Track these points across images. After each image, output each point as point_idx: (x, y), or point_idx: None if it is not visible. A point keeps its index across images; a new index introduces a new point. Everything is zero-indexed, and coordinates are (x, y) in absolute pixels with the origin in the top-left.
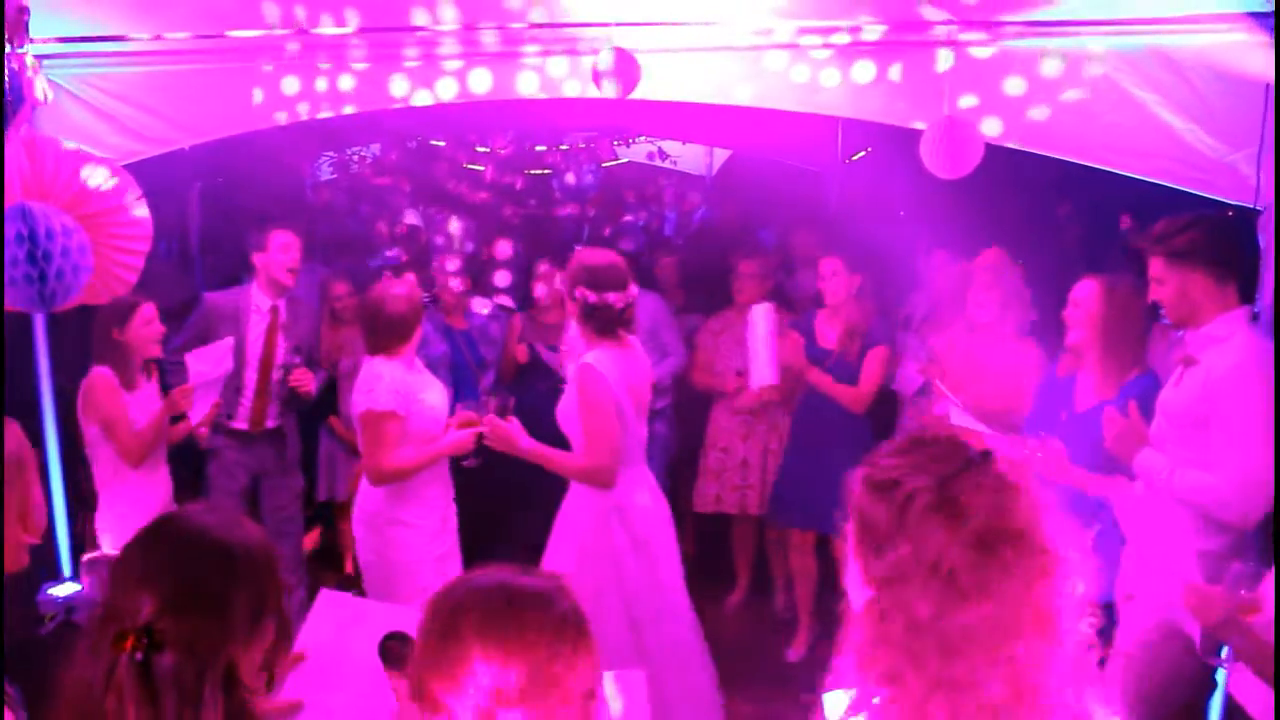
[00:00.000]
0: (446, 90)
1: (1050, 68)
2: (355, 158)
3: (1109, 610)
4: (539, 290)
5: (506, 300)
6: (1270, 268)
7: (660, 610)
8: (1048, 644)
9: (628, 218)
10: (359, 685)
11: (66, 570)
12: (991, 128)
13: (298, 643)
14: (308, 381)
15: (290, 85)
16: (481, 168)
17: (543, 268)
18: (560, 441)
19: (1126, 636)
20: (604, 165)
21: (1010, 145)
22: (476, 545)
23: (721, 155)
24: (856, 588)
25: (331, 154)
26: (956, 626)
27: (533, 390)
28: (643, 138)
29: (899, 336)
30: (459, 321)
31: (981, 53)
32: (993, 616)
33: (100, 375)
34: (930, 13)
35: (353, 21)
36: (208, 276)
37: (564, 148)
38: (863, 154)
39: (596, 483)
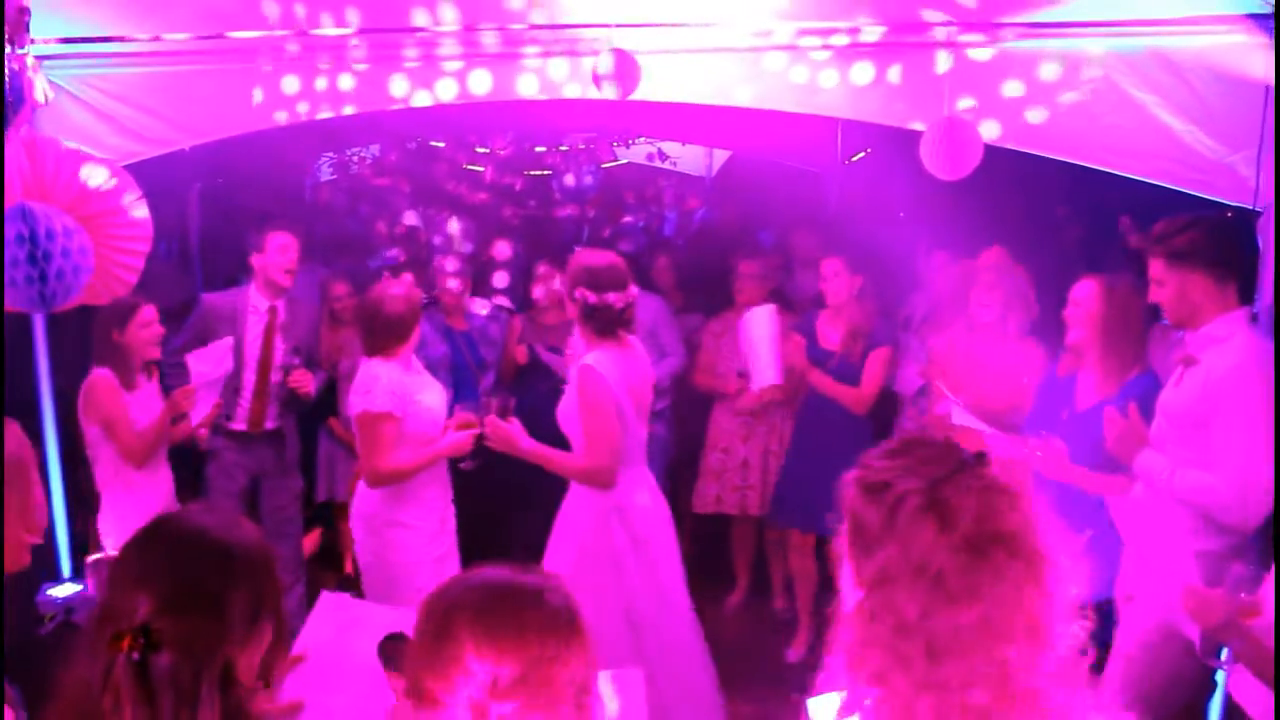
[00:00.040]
0: (446, 91)
1: (1049, 69)
2: (355, 158)
3: (1108, 612)
4: (537, 291)
5: (505, 301)
6: (1270, 268)
7: (660, 611)
8: (1038, 648)
9: (627, 219)
10: (359, 687)
11: (66, 570)
12: (991, 129)
13: (298, 644)
14: (307, 382)
15: (290, 85)
16: (481, 168)
17: (542, 269)
18: (560, 442)
19: (1126, 638)
20: (603, 166)
21: (1010, 147)
22: (476, 546)
23: (721, 156)
24: (849, 588)
25: (331, 154)
26: (944, 629)
27: (533, 391)
28: (642, 139)
29: (899, 337)
30: (459, 323)
31: (981, 54)
32: (982, 620)
33: (101, 377)
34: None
35: (353, 22)
36: (208, 277)
37: (564, 149)
38: (862, 155)
39: (597, 483)
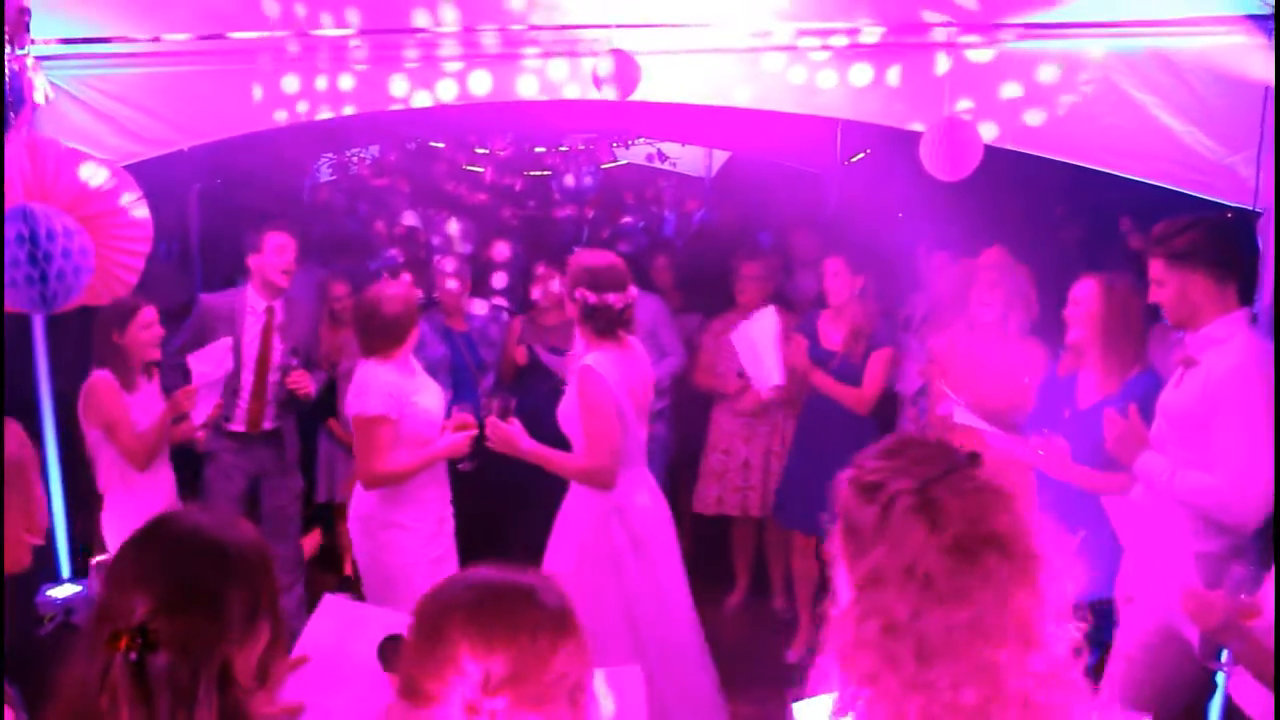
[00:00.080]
0: (446, 92)
1: (1049, 70)
2: (354, 159)
3: (1108, 613)
4: (537, 292)
5: (504, 302)
6: (1270, 269)
7: (660, 611)
8: (1030, 649)
9: (627, 219)
10: (359, 689)
11: (66, 571)
12: (990, 130)
13: (299, 647)
14: (306, 383)
15: (290, 85)
16: (481, 169)
17: (541, 269)
18: (560, 443)
19: (1126, 639)
20: (603, 167)
21: (1010, 148)
22: (475, 547)
23: (721, 157)
24: (842, 588)
25: (331, 155)
26: (934, 629)
27: (533, 392)
28: (642, 140)
29: (900, 337)
30: (459, 324)
31: (981, 55)
32: (972, 621)
33: (101, 378)
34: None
35: (353, 22)
36: (207, 278)
37: (563, 149)
38: (862, 155)
39: (597, 484)
